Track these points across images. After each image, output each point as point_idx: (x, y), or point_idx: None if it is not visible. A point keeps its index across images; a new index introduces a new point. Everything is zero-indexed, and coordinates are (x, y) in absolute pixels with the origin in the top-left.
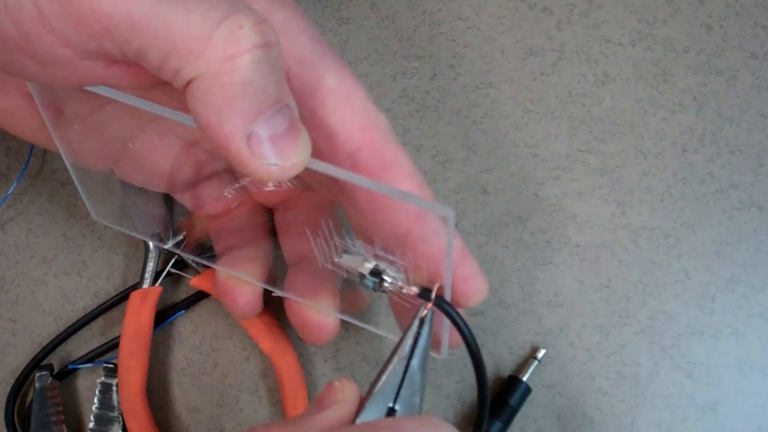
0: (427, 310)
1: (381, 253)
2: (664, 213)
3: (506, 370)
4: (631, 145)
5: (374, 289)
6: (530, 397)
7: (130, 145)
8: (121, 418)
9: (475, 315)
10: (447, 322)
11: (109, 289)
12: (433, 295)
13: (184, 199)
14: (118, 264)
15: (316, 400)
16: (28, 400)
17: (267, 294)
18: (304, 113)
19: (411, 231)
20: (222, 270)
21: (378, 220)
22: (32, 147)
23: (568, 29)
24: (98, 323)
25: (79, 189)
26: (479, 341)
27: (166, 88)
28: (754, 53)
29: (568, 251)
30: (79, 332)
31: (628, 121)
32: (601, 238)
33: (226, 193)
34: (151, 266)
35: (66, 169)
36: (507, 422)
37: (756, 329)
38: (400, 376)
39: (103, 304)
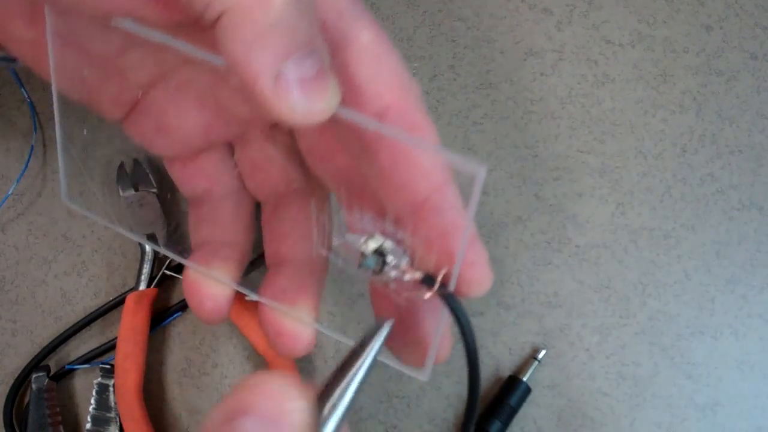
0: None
1: (390, 229)
2: (664, 213)
3: (506, 370)
4: (631, 146)
5: (373, 272)
6: (530, 397)
7: (148, 94)
8: (118, 418)
9: (475, 315)
10: (440, 331)
11: (108, 289)
12: (438, 280)
13: (174, 169)
14: (118, 264)
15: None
16: (25, 401)
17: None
18: (336, 66)
19: (429, 199)
20: (192, 266)
21: (398, 184)
22: (32, 148)
23: (568, 30)
24: (95, 324)
25: (60, 161)
26: (479, 342)
27: (192, 30)
28: (754, 54)
29: (568, 251)
30: (76, 334)
31: (628, 122)
32: (601, 238)
33: (218, 172)
34: (147, 268)
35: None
36: (507, 422)
37: (756, 329)
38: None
39: (101, 307)
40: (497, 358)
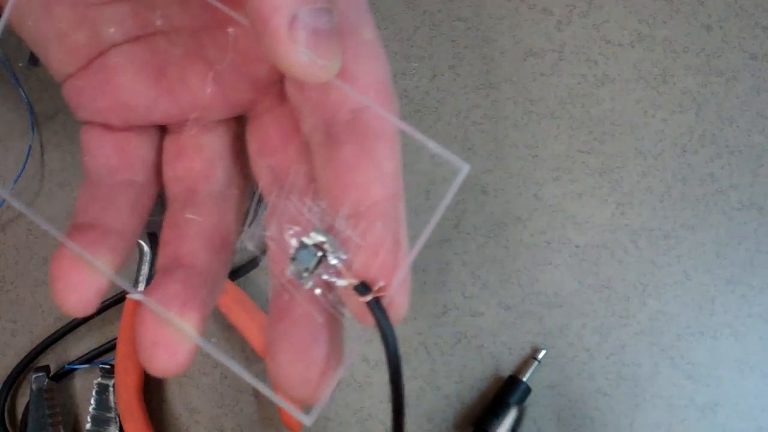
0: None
1: (341, 225)
2: (664, 214)
3: (506, 370)
4: (631, 146)
5: (306, 270)
6: (530, 397)
7: (110, 52)
8: (118, 419)
9: (475, 316)
10: (353, 354)
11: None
12: (375, 291)
13: (90, 136)
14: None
15: None
16: (25, 401)
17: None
18: None
19: (380, 204)
20: (74, 248)
21: (354, 181)
22: (30, 147)
23: (567, 30)
24: (95, 324)
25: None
26: (480, 341)
27: None
28: (754, 54)
29: (567, 252)
30: (76, 333)
31: (628, 122)
32: (600, 238)
33: (136, 153)
34: (145, 269)
35: (65, 170)
36: None
37: (756, 329)
38: None
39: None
40: (497, 358)
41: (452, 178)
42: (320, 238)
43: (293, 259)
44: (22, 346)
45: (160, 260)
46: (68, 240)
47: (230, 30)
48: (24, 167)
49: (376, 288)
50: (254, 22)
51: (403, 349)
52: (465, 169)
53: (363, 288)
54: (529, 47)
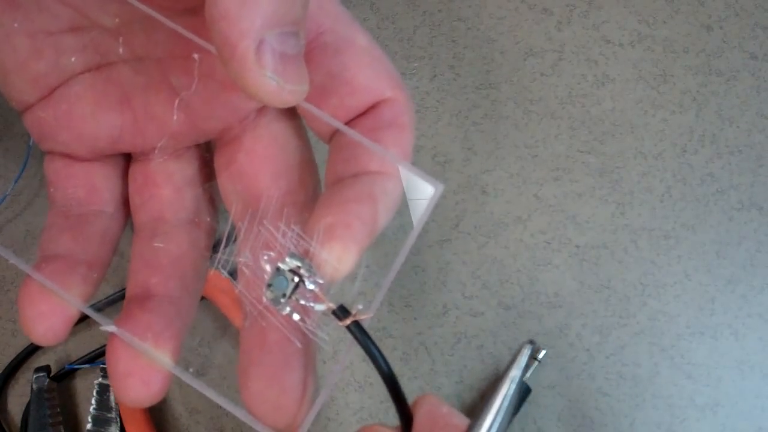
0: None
1: (317, 249)
2: (664, 214)
3: None
4: (631, 146)
5: (283, 295)
6: (530, 397)
7: (73, 81)
8: (118, 419)
9: (475, 315)
10: (334, 380)
11: (107, 289)
12: (354, 314)
13: (54, 167)
14: (117, 265)
15: None
16: (24, 401)
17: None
18: (336, 67)
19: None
20: (42, 281)
21: (346, 197)
22: (30, 148)
23: (568, 30)
24: (96, 324)
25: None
26: (480, 341)
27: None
28: (754, 54)
29: (568, 252)
30: (77, 333)
31: (628, 122)
32: (601, 238)
33: (104, 183)
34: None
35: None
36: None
37: (756, 329)
38: None
39: (95, 304)
40: (497, 358)
41: (425, 198)
42: (296, 263)
43: (269, 285)
44: (22, 346)
45: (130, 290)
46: (35, 272)
47: (195, 56)
48: (24, 168)
49: (354, 311)
50: (220, 47)
51: (402, 349)
52: (438, 189)
53: (342, 311)
54: (529, 47)
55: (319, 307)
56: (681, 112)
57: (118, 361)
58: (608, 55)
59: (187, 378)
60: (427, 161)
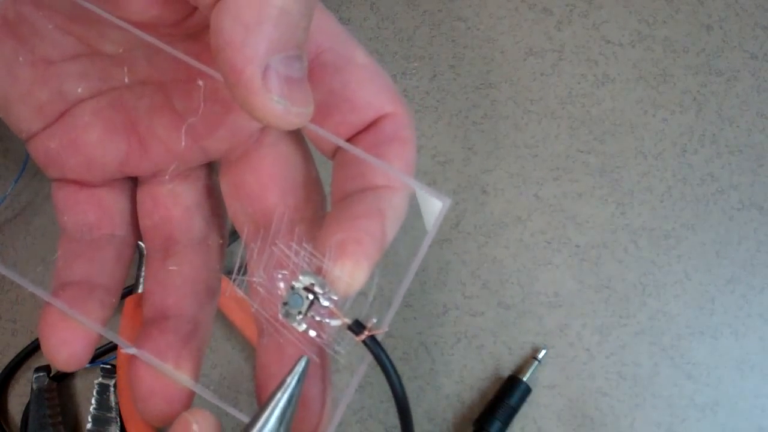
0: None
1: (329, 266)
2: (664, 213)
3: (506, 370)
4: (631, 146)
5: (299, 312)
6: (530, 397)
7: (77, 108)
8: (118, 419)
9: (475, 315)
10: (348, 395)
11: None
12: (368, 328)
13: (63, 193)
14: None
15: None
16: (24, 401)
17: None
18: (337, 85)
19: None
20: (63, 308)
21: (357, 212)
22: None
23: (568, 30)
24: None
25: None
26: (480, 341)
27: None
28: (754, 54)
29: (568, 251)
30: None
31: (628, 122)
32: (601, 238)
33: (113, 207)
34: (144, 271)
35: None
36: (507, 422)
37: (756, 329)
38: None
39: None
40: (497, 358)
41: (432, 211)
42: (310, 281)
43: (285, 303)
44: (23, 346)
45: (147, 311)
46: (55, 299)
47: (200, 82)
48: (24, 168)
49: (369, 325)
50: (227, 73)
51: (403, 349)
52: (446, 204)
53: (357, 326)
54: (529, 47)
55: (335, 323)
56: (681, 112)
57: (140, 381)
58: (608, 55)
59: (208, 396)
60: (427, 161)
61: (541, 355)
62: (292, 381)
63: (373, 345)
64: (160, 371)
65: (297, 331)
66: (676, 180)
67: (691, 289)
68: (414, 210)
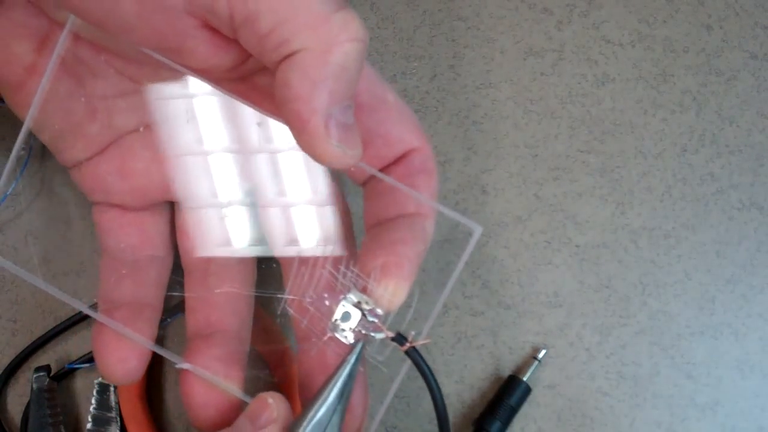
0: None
1: (373, 286)
2: (664, 213)
3: (506, 370)
4: (631, 146)
5: (349, 328)
6: (530, 397)
7: (124, 138)
8: (119, 418)
9: (475, 315)
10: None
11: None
12: (411, 340)
13: (106, 218)
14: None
15: (248, 414)
16: (24, 401)
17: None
18: (373, 124)
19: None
20: (117, 327)
21: (394, 239)
22: (31, 148)
23: (568, 29)
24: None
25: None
26: (480, 341)
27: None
28: (754, 53)
29: (568, 251)
30: (78, 333)
31: (628, 122)
32: (601, 238)
33: (154, 230)
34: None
35: (64, 170)
36: (507, 422)
37: (756, 329)
38: (332, 408)
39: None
40: (497, 358)
41: (464, 238)
42: (357, 299)
43: (336, 320)
44: (23, 346)
45: (191, 327)
46: (109, 319)
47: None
48: (24, 168)
49: (410, 338)
50: (293, 122)
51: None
52: (478, 231)
53: (400, 338)
54: (529, 47)
55: (379, 336)
56: (681, 112)
57: (194, 394)
58: (608, 55)
59: (249, 399)
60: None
61: (541, 355)
62: (351, 358)
63: (415, 355)
64: (211, 383)
65: (343, 344)
66: (676, 180)
67: (691, 289)
68: (440, 231)
